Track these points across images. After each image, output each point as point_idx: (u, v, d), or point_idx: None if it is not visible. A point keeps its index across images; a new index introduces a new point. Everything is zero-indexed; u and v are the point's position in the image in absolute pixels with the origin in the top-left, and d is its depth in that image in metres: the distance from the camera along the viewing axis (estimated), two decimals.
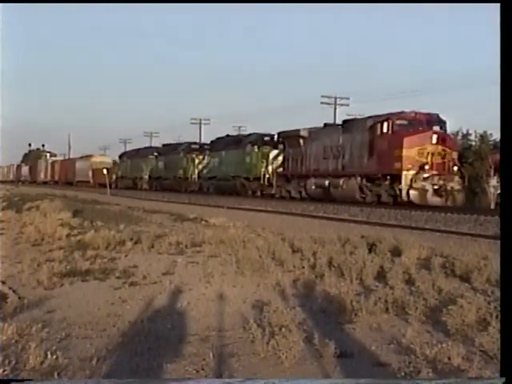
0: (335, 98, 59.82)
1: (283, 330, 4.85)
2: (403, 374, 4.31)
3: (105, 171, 49.16)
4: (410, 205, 23.33)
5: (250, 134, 39.29)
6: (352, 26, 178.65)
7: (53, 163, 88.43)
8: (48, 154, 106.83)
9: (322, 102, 59.41)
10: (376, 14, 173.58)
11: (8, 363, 4.39)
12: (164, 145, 55.28)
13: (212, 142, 44.70)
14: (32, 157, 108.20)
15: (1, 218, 16.50)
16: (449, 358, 4.49)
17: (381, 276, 7.60)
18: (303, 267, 8.11)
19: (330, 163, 28.90)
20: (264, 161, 34.76)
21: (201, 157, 44.20)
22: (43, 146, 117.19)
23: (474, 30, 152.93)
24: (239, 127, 77.47)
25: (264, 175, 34.49)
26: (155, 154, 53.13)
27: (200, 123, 77.84)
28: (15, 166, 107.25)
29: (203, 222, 16.14)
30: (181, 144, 50.18)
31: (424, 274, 7.50)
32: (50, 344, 4.85)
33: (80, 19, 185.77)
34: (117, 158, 67.97)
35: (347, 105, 59.90)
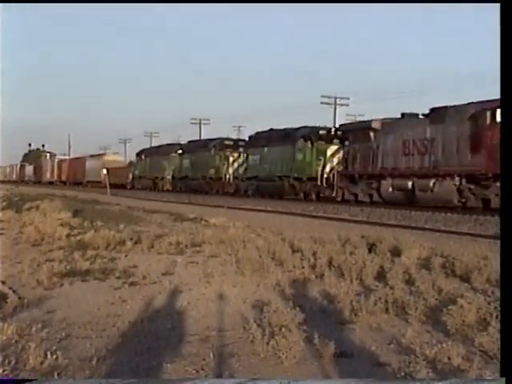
0: (335, 98, 60.00)
1: (283, 330, 4.84)
2: (403, 374, 4.31)
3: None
4: (409, 205, 23.32)
5: (300, 128, 33.60)
6: (352, 26, 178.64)
7: (60, 162, 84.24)
8: (48, 154, 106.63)
9: (321, 102, 59.65)
10: (376, 13, 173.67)
11: (8, 363, 4.39)
12: (190, 141, 49.70)
13: (251, 137, 39.40)
14: (33, 157, 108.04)
15: (1, 218, 16.50)
16: (449, 358, 4.49)
17: (381, 276, 7.60)
18: (303, 267, 8.11)
19: (413, 161, 23.70)
20: (322, 158, 29.77)
21: (236, 154, 39.31)
22: (43, 146, 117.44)
23: (474, 30, 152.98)
24: (239, 127, 77.62)
25: (322, 175, 29.46)
26: (179, 151, 47.61)
27: (200, 123, 77.97)
28: (18, 166, 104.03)
29: (203, 222, 16.13)
30: (211, 140, 44.27)
31: (424, 274, 7.49)
32: (49, 344, 4.85)
33: (80, 19, 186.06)
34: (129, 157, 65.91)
35: (347, 105, 60.12)
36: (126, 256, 9.61)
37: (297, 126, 34.13)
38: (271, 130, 36.65)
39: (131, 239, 11.00)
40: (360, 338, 5.24)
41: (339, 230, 12.76)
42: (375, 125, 26.42)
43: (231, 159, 38.96)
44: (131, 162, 61.21)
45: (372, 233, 11.78)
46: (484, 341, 4.91)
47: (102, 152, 76.74)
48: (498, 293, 6.29)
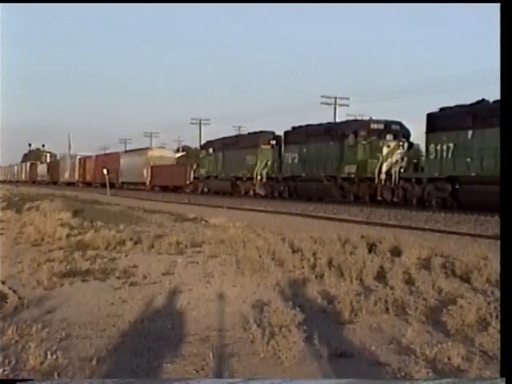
0: (335, 98, 59.97)
1: (283, 330, 4.84)
2: (403, 373, 4.31)
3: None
4: (409, 205, 23.32)
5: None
6: (352, 26, 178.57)
7: (83, 160, 71.11)
8: (48, 154, 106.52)
9: (321, 102, 59.58)
10: (376, 14, 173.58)
11: (8, 363, 4.39)
12: (294, 128, 33.92)
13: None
14: (33, 156, 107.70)
15: (1, 218, 16.49)
16: (449, 358, 4.49)
17: (381, 276, 7.60)
18: (303, 267, 8.11)
19: None
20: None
21: (392, 143, 26.60)
22: (43, 146, 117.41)
23: (474, 30, 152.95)
24: (239, 127, 77.48)
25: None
26: (272, 141, 35.79)
27: (200, 123, 77.92)
28: (28, 165, 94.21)
29: (203, 222, 16.14)
30: (340, 123, 32.39)
31: (424, 274, 7.50)
32: (49, 344, 4.85)
33: (81, 19, 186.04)
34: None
35: (347, 105, 60.03)
36: (126, 256, 9.61)
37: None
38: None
39: (131, 239, 11.00)
40: (360, 338, 5.24)
41: (339, 230, 12.77)
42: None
43: (386, 150, 26.23)
44: (196, 158, 46.12)
45: (372, 233, 11.78)
46: (484, 341, 4.91)
47: (144, 147, 62.77)
48: (497, 293, 6.29)
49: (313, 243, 9.94)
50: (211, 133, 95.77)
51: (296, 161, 31.94)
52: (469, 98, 22.14)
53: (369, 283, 7.39)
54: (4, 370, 4.27)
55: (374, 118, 28.99)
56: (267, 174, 35.00)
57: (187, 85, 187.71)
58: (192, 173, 44.11)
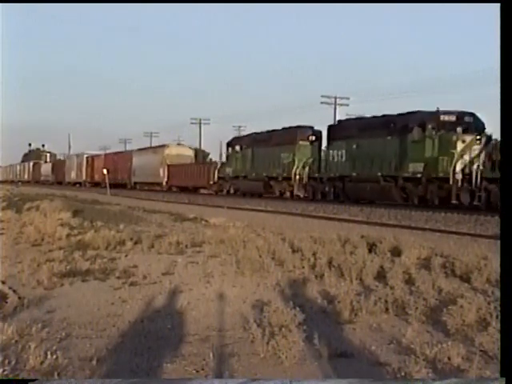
0: (335, 98, 59.99)
1: (283, 329, 4.84)
2: (403, 373, 4.31)
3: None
4: (409, 204, 23.30)
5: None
6: (352, 26, 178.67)
7: (91, 159, 67.33)
8: (48, 154, 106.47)
9: (321, 102, 59.61)
10: (376, 14, 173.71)
11: (8, 363, 4.39)
12: (340, 121, 32.21)
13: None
14: (33, 156, 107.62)
15: (1, 218, 16.50)
16: (449, 358, 4.49)
17: (381, 276, 7.60)
18: (303, 267, 8.12)
19: None
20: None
21: (468, 137, 22.78)
22: (43, 145, 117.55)
23: (474, 30, 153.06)
24: (239, 127, 77.50)
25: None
26: (311, 137, 32.12)
27: (200, 123, 77.92)
28: (31, 164, 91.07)
29: (203, 222, 16.14)
30: (404, 115, 25.79)
31: (424, 274, 7.50)
32: (49, 344, 4.85)
33: (81, 19, 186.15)
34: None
35: (347, 105, 60.04)
36: (126, 256, 9.61)
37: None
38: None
39: (131, 239, 11.00)
40: (360, 338, 5.24)
41: (339, 230, 12.77)
42: None
43: (461, 146, 22.54)
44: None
45: (372, 233, 11.78)
46: (484, 341, 4.91)
47: (159, 145, 57.89)
48: (497, 293, 6.29)
49: (313, 243, 9.94)
50: (211, 133, 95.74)
51: (343, 159, 28.18)
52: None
53: (369, 283, 7.39)
54: (4, 370, 4.27)
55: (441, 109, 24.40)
56: (309, 173, 30.83)
57: (187, 85, 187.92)
58: (216, 172, 40.65)
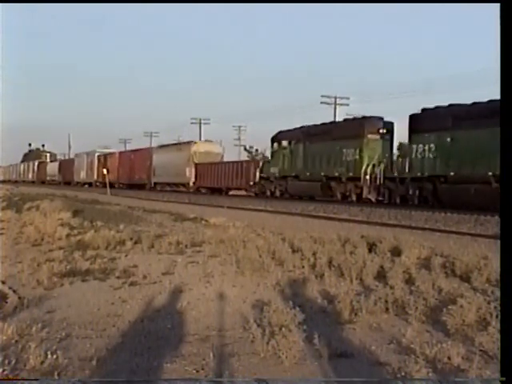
0: (335, 98, 59.95)
1: (283, 329, 4.85)
2: (403, 373, 4.31)
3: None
4: (410, 204, 23.26)
5: None
6: (352, 26, 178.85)
7: (103, 157, 61.38)
8: (48, 154, 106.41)
9: (321, 102, 59.56)
10: (376, 13, 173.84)
11: (8, 363, 4.39)
12: (425, 109, 24.23)
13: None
14: (33, 156, 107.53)
15: (1, 218, 16.50)
16: (449, 358, 4.49)
17: (381, 276, 7.60)
18: (303, 267, 8.11)
19: None
20: None
21: None
22: (43, 145, 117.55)
23: (474, 30, 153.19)
24: (239, 127, 77.53)
25: None
26: (382, 130, 27.29)
27: (200, 123, 77.91)
28: (36, 164, 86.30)
29: (203, 222, 16.13)
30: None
31: (424, 274, 7.49)
32: (49, 344, 4.85)
33: (81, 19, 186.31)
34: None
35: (347, 105, 59.99)
36: (126, 256, 9.60)
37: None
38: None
39: (131, 239, 11.00)
40: (360, 338, 5.24)
41: (339, 230, 12.76)
42: None
43: None
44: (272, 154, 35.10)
45: (372, 233, 11.77)
46: (484, 340, 4.91)
47: (185, 141, 51.50)
48: (498, 293, 6.29)
49: (313, 243, 9.94)
50: (211, 133, 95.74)
51: (433, 155, 23.09)
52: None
53: (369, 283, 7.39)
54: (4, 370, 4.27)
55: None
56: (384, 173, 25.52)
57: (187, 84, 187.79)
58: (257, 172, 35.09)
